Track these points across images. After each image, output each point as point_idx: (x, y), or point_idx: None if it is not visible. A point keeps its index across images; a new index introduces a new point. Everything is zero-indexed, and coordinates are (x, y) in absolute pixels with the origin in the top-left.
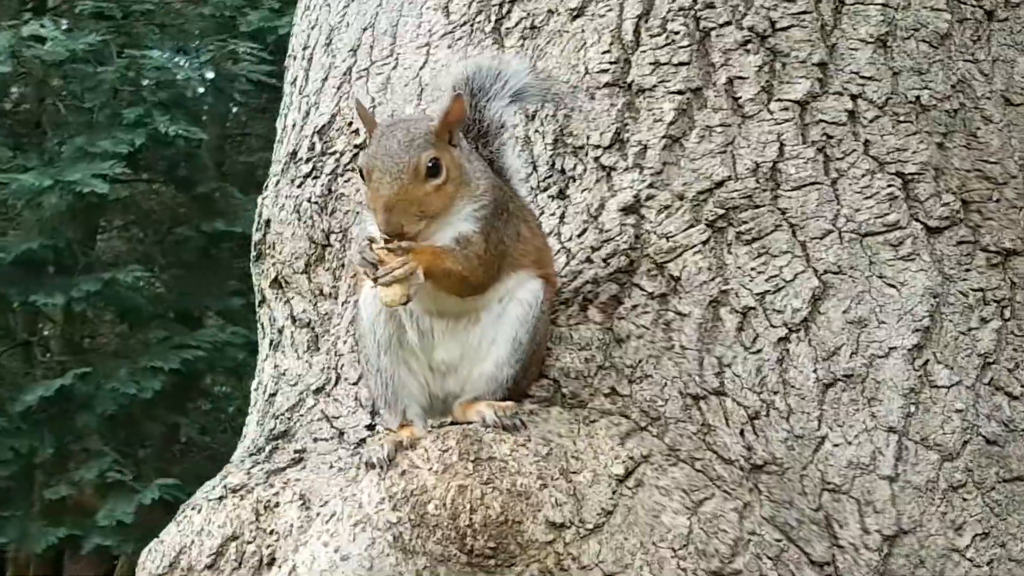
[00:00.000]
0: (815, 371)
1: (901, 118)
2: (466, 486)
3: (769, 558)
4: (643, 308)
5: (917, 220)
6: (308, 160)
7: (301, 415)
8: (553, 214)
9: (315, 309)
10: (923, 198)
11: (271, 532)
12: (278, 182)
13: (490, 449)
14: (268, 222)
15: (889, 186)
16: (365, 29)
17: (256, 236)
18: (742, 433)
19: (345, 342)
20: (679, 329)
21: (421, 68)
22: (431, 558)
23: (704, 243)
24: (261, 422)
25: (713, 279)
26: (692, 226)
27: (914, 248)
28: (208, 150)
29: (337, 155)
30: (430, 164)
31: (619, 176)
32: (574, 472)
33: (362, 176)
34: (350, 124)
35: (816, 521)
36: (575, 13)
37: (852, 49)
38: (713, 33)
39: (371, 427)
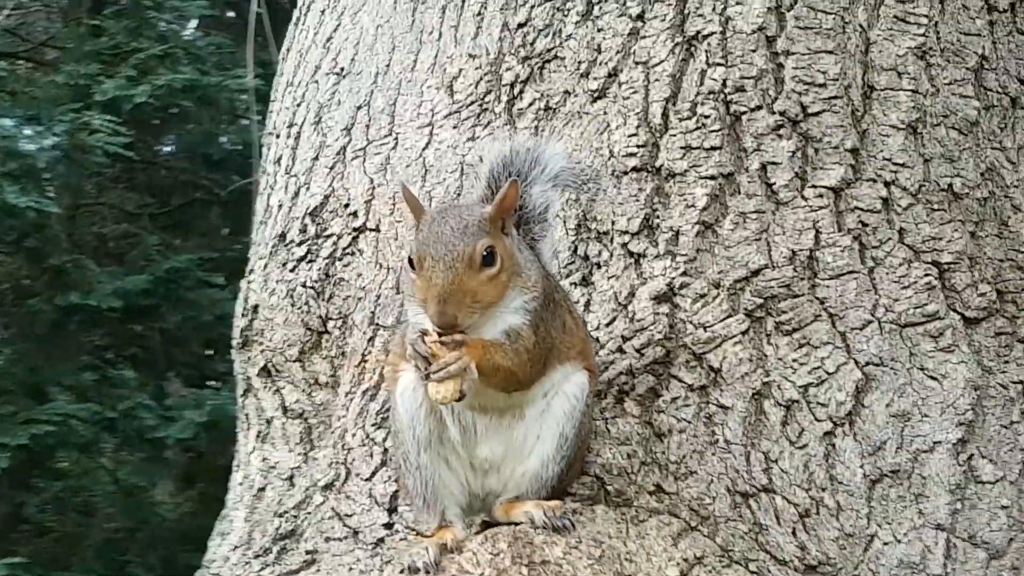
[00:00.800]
0: (862, 467)
1: (935, 206)
2: None
3: None
4: (683, 401)
5: (955, 311)
6: (301, 243)
7: (309, 513)
8: (577, 302)
9: (309, 399)
10: (960, 288)
11: None
12: (266, 265)
13: (542, 552)
14: (256, 307)
15: (926, 275)
16: (359, 107)
17: (242, 322)
18: (794, 532)
19: (354, 435)
20: (722, 423)
21: (424, 149)
22: None
23: (743, 333)
24: (250, 518)
25: (755, 371)
26: (730, 315)
27: (954, 339)
28: (59, 221)
29: (334, 238)
30: (485, 253)
31: (649, 263)
32: (628, 575)
33: (411, 265)
34: (346, 206)
35: None
36: (596, 95)
37: (884, 135)
38: (744, 117)
39: (388, 525)
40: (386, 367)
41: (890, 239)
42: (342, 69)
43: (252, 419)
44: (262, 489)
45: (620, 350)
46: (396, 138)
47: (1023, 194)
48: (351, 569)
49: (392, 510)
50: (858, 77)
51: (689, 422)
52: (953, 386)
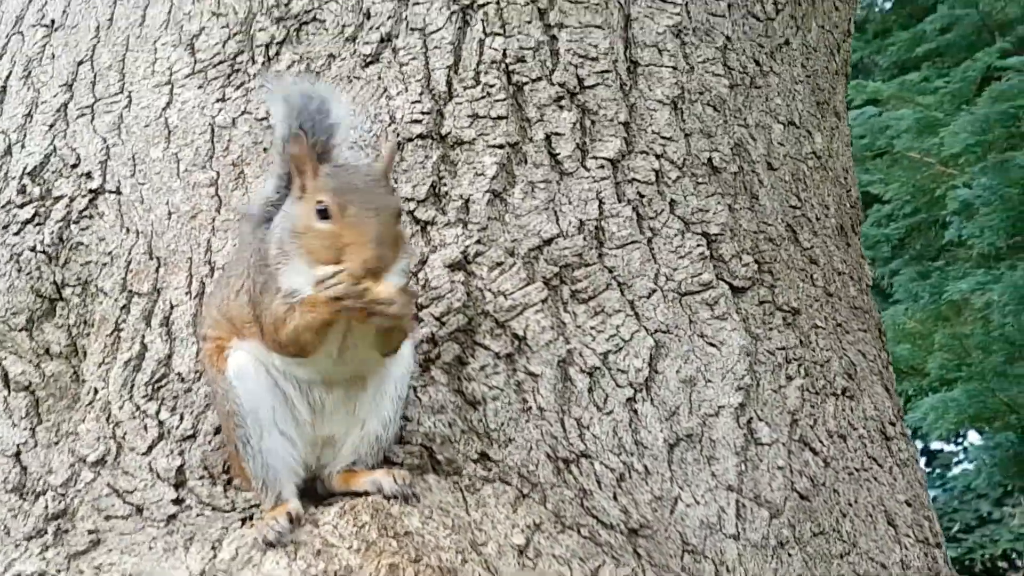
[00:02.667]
0: (661, 431)
1: (699, 179)
2: (397, 565)
3: None
4: (492, 369)
5: (723, 280)
6: (23, 205)
7: (79, 490)
8: None
9: (38, 370)
10: (727, 258)
11: None
12: None
13: (403, 523)
14: None
15: (698, 246)
16: (81, 63)
17: None
18: (615, 496)
19: (121, 407)
20: (533, 390)
21: (165, 108)
22: None
23: (543, 301)
24: None
25: (557, 338)
26: (528, 283)
27: (726, 308)
28: None
29: (66, 200)
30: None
31: (439, 231)
32: (481, 544)
33: (324, 214)
34: (74, 166)
35: None
36: (368, 60)
37: (651, 110)
38: (526, 88)
39: (178, 501)
40: (205, 344)
41: (664, 210)
42: (52, 21)
43: None
44: None
45: (417, 318)
46: (129, 96)
47: (764, 169)
48: (151, 548)
49: (179, 485)
50: (621, 52)
51: (501, 390)
52: (730, 352)
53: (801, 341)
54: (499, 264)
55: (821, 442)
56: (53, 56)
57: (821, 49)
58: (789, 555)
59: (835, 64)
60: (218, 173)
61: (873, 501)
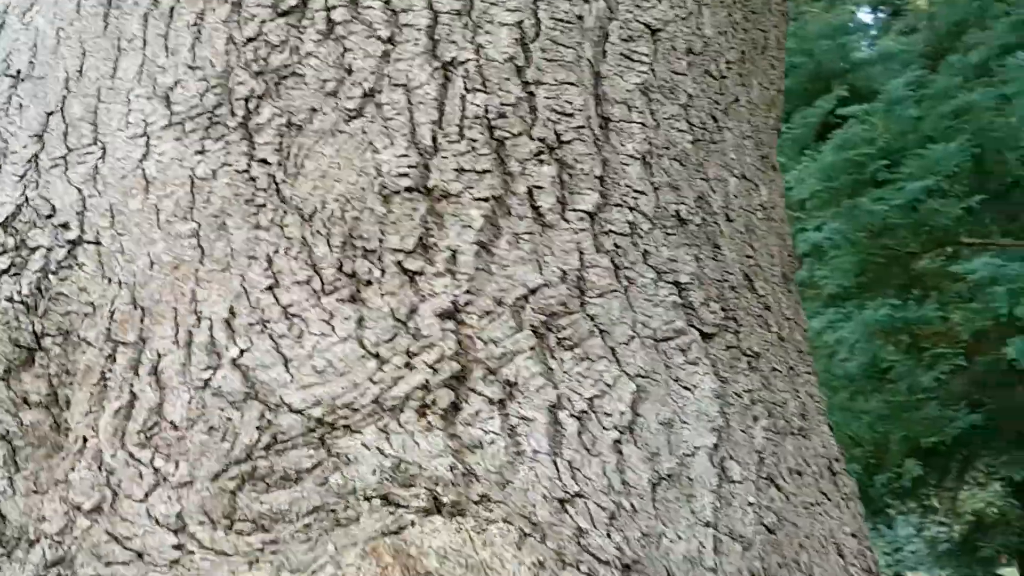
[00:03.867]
0: (645, 471)
1: (669, 231)
2: None
3: None
4: (487, 414)
5: (694, 326)
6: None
7: (75, 538)
8: (348, 318)
9: (15, 419)
10: (696, 306)
11: None
12: None
13: (423, 563)
14: None
15: (670, 294)
16: (51, 114)
17: None
18: (608, 535)
19: (114, 456)
20: (527, 434)
21: (142, 160)
22: None
23: (532, 348)
24: None
25: (546, 384)
26: (518, 331)
27: (697, 353)
28: None
29: (43, 251)
30: None
31: (428, 281)
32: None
33: None
34: (49, 216)
35: None
36: (353, 114)
37: (624, 164)
38: (508, 142)
39: (178, 547)
40: None
41: (638, 260)
42: (18, 71)
43: None
44: None
45: (409, 366)
46: (104, 147)
47: (724, 220)
48: None
49: (178, 530)
50: (593, 108)
51: (497, 434)
52: (703, 395)
53: (763, 384)
54: (488, 312)
55: (784, 479)
56: (21, 106)
57: (761, 106)
58: None
59: (771, 119)
60: (199, 224)
61: (825, 533)
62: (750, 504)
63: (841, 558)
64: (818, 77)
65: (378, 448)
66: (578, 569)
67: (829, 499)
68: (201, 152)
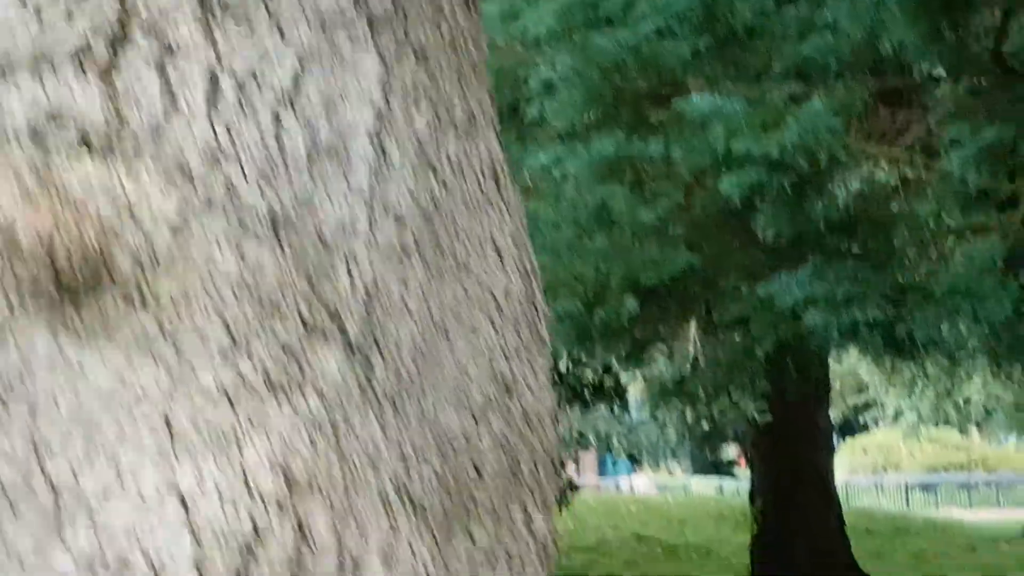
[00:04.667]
0: (304, 142)
1: None
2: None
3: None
4: (146, 72)
5: (362, 14)
6: None
7: None
8: None
9: None
10: None
11: None
12: None
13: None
14: None
15: None
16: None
17: None
18: (262, 193)
19: None
20: (185, 96)
21: None
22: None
23: (195, 15)
24: None
25: (208, 50)
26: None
27: (364, 38)
28: None
29: None
30: None
31: None
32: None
33: None
34: None
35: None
36: None
37: None
38: None
39: None
40: None
41: None
42: None
43: None
44: None
45: (69, 20)
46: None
47: None
48: None
49: None
50: None
51: (154, 91)
52: (365, 78)
53: (429, 79)
54: None
55: (444, 171)
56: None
57: None
58: (412, 262)
59: None
60: None
61: (483, 232)
62: (407, 187)
63: (500, 257)
64: None
65: (32, 96)
66: (225, 215)
67: (491, 202)
68: None
